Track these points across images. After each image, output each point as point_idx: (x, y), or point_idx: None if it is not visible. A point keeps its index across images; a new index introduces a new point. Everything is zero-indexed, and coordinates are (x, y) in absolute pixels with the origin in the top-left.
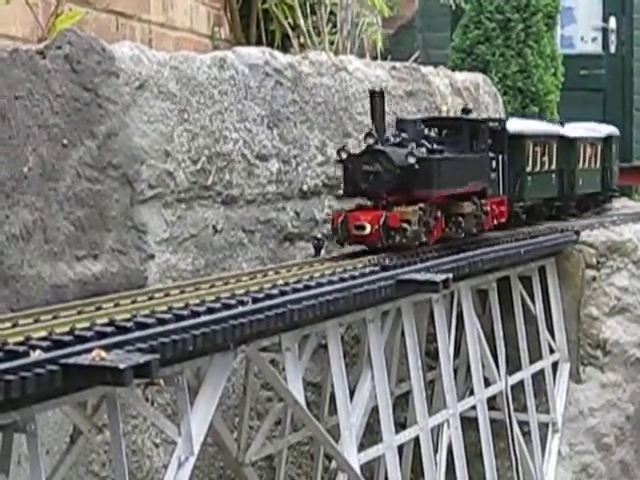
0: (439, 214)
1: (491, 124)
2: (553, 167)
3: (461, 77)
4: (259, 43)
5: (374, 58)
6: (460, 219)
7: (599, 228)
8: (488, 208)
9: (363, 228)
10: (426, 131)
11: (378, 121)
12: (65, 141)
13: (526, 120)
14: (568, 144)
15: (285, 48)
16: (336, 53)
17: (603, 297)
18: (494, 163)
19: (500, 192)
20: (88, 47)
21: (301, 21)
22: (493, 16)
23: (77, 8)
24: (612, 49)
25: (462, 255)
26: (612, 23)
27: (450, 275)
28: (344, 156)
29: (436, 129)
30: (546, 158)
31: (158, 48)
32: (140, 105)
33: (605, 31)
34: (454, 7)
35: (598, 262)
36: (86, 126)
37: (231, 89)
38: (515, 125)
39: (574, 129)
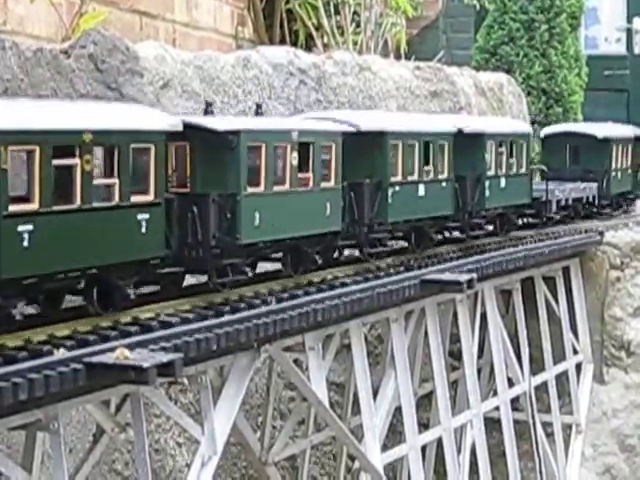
0: None
1: None
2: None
3: (485, 77)
4: (283, 43)
5: (398, 58)
6: None
7: (623, 229)
8: None
9: None
10: None
11: None
12: None
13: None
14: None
15: (309, 48)
16: (360, 53)
17: (627, 298)
18: None
19: None
20: (112, 46)
21: (325, 21)
22: (517, 16)
23: (101, 8)
24: (636, 50)
25: (486, 255)
26: (636, 24)
27: (474, 275)
28: None
29: None
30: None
31: (182, 47)
32: (164, 105)
33: (629, 32)
34: (478, 7)
35: (622, 263)
36: None
37: (255, 88)
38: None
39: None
